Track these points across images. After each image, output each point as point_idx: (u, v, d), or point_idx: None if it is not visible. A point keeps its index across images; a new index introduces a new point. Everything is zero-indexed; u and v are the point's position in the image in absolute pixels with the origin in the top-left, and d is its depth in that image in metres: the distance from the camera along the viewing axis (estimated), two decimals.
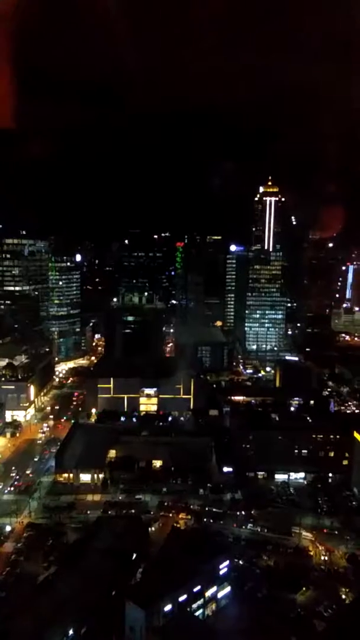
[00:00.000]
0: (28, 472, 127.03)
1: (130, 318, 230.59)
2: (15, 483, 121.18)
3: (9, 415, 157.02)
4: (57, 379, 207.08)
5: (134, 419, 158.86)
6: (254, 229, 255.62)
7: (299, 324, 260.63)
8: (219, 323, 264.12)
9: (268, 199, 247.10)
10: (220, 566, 79.91)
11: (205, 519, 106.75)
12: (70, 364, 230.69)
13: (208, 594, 76.77)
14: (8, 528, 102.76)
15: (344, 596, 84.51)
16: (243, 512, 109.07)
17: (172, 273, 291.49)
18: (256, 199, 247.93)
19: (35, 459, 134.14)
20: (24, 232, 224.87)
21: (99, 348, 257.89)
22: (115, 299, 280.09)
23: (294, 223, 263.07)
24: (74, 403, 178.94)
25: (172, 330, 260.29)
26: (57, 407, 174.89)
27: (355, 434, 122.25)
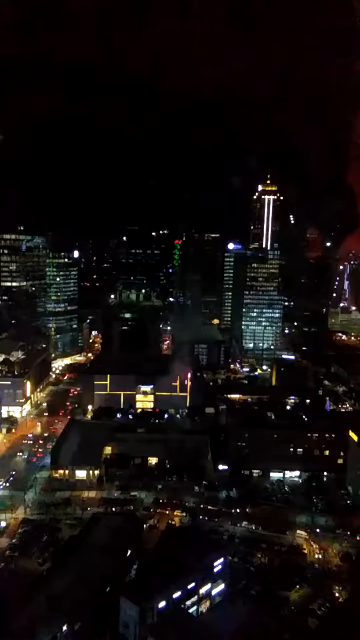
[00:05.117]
0: (23, 468, 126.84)
1: (127, 315, 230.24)
2: (11, 479, 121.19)
3: (5, 411, 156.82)
4: (53, 375, 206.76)
5: (130, 416, 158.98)
6: (252, 227, 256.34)
7: (295, 323, 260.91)
8: (216, 321, 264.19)
9: (266, 197, 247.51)
10: (215, 563, 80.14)
11: (200, 517, 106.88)
12: (67, 361, 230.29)
13: (202, 591, 76.99)
14: (3, 524, 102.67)
15: (337, 594, 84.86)
16: (238, 510, 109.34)
17: (170, 270, 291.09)
18: (255, 197, 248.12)
19: (25, 456, 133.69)
20: (21, 228, 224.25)
21: (96, 345, 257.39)
22: (112, 296, 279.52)
23: (292, 222, 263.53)
24: (70, 399, 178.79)
25: (169, 328, 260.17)
26: (53, 404, 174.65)
27: (351, 433, 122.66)
